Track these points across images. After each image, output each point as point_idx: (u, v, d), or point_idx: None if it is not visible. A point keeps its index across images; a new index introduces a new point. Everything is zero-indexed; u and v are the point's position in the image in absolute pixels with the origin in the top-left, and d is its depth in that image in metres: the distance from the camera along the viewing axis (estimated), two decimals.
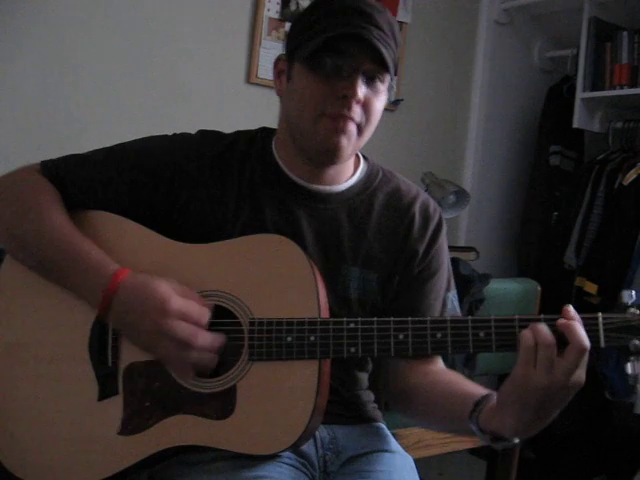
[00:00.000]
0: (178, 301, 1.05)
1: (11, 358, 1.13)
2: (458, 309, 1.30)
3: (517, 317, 1.01)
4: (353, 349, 1.05)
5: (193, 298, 1.07)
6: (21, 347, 1.13)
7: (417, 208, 1.26)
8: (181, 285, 1.08)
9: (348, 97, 1.11)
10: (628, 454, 2.57)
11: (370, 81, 1.14)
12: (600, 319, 0.99)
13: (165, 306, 1.04)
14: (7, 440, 1.12)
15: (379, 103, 1.16)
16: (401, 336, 1.04)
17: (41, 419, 1.11)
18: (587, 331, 0.97)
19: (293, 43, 1.17)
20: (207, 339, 1.05)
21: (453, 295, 1.30)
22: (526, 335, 0.97)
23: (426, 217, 1.27)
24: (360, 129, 1.15)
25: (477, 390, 1.09)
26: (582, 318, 0.99)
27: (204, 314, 1.06)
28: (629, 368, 0.99)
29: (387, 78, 1.16)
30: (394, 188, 1.28)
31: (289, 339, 1.05)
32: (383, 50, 1.09)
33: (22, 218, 1.15)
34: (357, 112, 1.13)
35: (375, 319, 1.05)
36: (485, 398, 1.05)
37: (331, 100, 1.12)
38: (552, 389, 0.95)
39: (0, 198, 1.19)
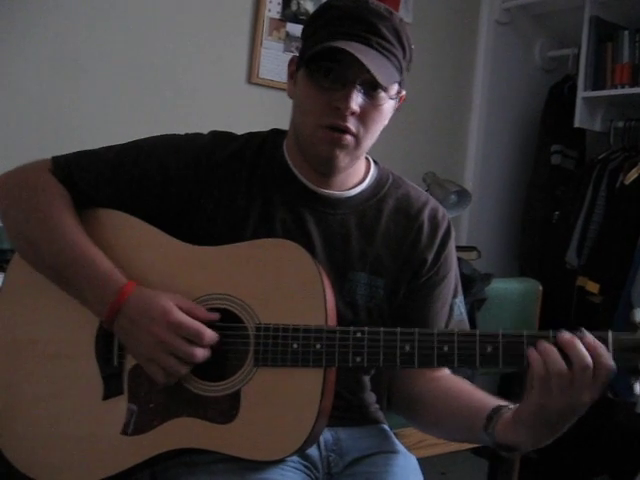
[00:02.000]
0: (179, 315, 1.05)
1: (18, 354, 1.13)
2: (465, 315, 1.30)
3: (525, 333, 1.00)
4: (359, 359, 1.04)
5: (199, 314, 1.07)
6: (28, 344, 1.13)
7: (426, 215, 1.26)
8: (187, 300, 1.08)
9: (341, 109, 1.10)
10: (630, 454, 2.57)
11: (371, 91, 1.12)
12: (610, 338, 0.98)
13: (167, 318, 1.04)
14: (13, 437, 1.12)
15: (378, 114, 1.15)
16: (407, 347, 1.03)
17: (46, 416, 1.11)
18: None
19: (301, 47, 1.17)
20: (204, 356, 1.05)
21: (460, 301, 1.29)
22: (538, 364, 0.96)
23: (435, 224, 1.26)
24: (358, 140, 1.14)
25: (487, 401, 1.09)
26: (592, 335, 0.98)
27: (205, 333, 1.05)
28: (637, 388, 0.98)
29: (393, 87, 1.15)
30: (404, 194, 1.27)
31: (295, 346, 1.05)
32: (373, 67, 1.06)
33: (34, 221, 1.15)
34: (353, 123, 1.12)
35: (382, 329, 1.05)
36: (496, 413, 1.05)
37: (326, 111, 1.11)
38: (569, 409, 0.96)
39: (10, 196, 1.19)
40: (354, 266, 1.20)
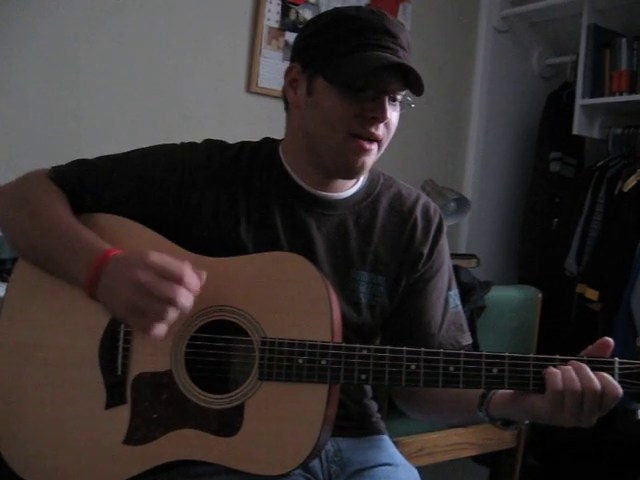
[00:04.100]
0: (157, 255, 1.00)
1: (21, 358, 1.13)
2: (460, 307, 1.32)
3: (532, 356, 1.03)
4: (364, 376, 1.05)
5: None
6: (31, 348, 1.13)
7: (419, 211, 1.29)
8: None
9: (377, 119, 1.13)
10: (631, 461, 2.56)
11: (392, 100, 1.16)
12: (616, 364, 1.00)
13: (144, 260, 0.99)
14: (13, 441, 1.11)
15: (396, 119, 1.19)
16: (413, 366, 1.04)
17: (47, 423, 1.11)
18: None
19: (314, 56, 1.16)
20: (187, 298, 0.98)
21: (455, 294, 1.32)
22: (555, 378, 0.99)
23: (428, 219, 1.30)
24: (380, 146, 1.18)
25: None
26: (598, 362, 1.01)
27: (186, 271, 0.99)
28: None
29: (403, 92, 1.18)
30: (396, 193, 1.31)
31: (300, 361, 1.05)
32: (413, 80, 1.11)
33: (22, 207, 1.16)
34: (382, 130, 1.16)
35: (388, 347, 1.05)
36: (489, 391, 1.09)
37: (359, 121, 1.13)
38: (575, 424, 1.00)
39: (6, 197, 1.19)
40: (355, 265, 1.23)
